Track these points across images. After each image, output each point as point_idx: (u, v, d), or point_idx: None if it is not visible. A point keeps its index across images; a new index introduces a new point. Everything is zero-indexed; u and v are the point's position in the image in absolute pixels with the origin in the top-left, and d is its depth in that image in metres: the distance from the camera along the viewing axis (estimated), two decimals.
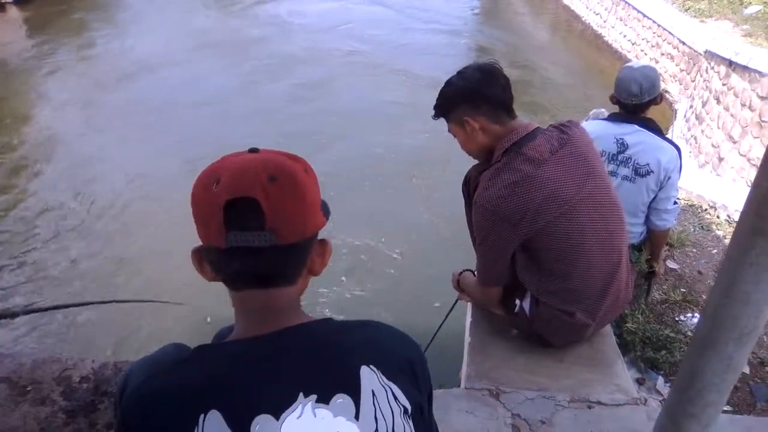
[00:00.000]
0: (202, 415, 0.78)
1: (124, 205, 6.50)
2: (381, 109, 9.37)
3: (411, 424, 0.90)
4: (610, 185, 2.08)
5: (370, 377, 0.87)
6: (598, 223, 1.97)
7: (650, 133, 2.92)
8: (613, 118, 3.04)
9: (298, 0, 14.76)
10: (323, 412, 0.81)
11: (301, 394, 0.81)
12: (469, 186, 2.17)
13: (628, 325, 3.28)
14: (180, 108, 8.86)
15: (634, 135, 2.92)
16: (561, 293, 2.00)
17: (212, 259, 0.89)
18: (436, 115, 2.11)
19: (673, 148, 2.92)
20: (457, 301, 2.53)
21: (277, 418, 0.79)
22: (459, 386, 2.11)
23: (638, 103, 2.87)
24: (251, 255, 0.85)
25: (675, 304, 3.56)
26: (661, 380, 3.10)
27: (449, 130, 2.11)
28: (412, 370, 0.94)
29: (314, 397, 0.82)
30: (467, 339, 2.27)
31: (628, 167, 2.95)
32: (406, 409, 0.89)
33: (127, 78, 9.81)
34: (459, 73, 2.05)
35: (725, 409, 3.12)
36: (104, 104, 8.84)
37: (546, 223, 1.89)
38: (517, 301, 2.14)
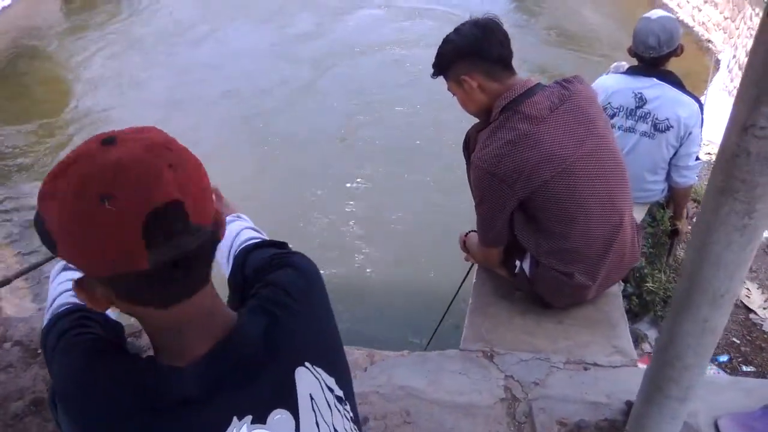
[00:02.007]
0: None
1: None
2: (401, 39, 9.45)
3: (347, 407, 0.90)
4: (613, 143, 2.02)
5: (306, 379, 0.83)
6: (598, 183, 1.91)
7: (670, 86, 2.81)
8: (631, 71, 2.94)
9: None
10: None
11: (234, 418, 0.77)
12: (469, 146, 2.14)
13: (648, 284, 3.22)
14: (211, 69, 8.91)
15: (653, 89, 2.82)
16: (559, 254, 1.97)
17: (119, 287, 0.73)
18: (435, 74, 2.07)
19: (694, 101, 2.81)
20: (473, 265, 2.52)
21: None
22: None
23: (656, 55, 2.76)
24: (179, 264, 0.71)
25: None
26: None
27: (448, 89, 2.07)
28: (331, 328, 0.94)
29: (249, 418, 0.78)
30: (470, 300, 2.26)
31: (647, 123, 2.86)
32: (340, 398, 0.88)
33: (164, 44, 9.82)
34: (456, 29, 2.00)
35: (747, 369, 3.05)
36: (146, 74, 8.83)
37: (543, 182, 1.85)
38: (517, 262, 2.11)
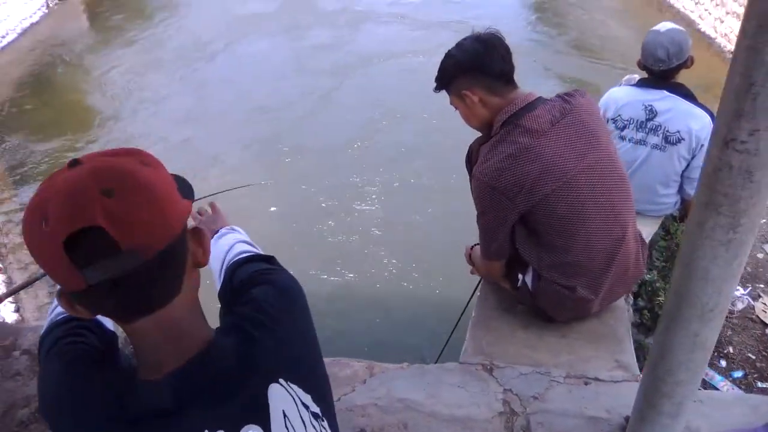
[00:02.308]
0: None
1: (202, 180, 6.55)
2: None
3: (324, 423, 0.90)
4: (615, 156, 2.01)
5: (279, 395, 0.84)
6: (600, 196, 1.90)
7: (681, 98, 2.79)
8: (641, 83, 2.92)
9: None
10: None
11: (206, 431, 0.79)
12: (472, 159, 2.14)
13: (660, 298, 3.17)
14: (229, 84, 9.02)
15: (664, 101, 2.80)
16: (561, 267, 1.96)
17: (81, 300, 0.76)
18: (437, 88, 2.08)
19: (706, 114, 2.79)
20: (481, 279, 2.51)
21: None
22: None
23: (666, 68, 2.75)
24: (121, 285, 0.73)
25: None
26: None
27: (451, 103, 2.08)
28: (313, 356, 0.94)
29: None
30: (472, 314, 2.25)
31: (658, 135, 2.84)
32: (316, 415, 0.88)
33: (184, 60, 9.97)
34: (458, 44, 2.01)
35: (763, 385, 2.99)
36: (166, 90, 8.94)
37: (544, 196, 1.84)
38: (520, 276, 2.10)
